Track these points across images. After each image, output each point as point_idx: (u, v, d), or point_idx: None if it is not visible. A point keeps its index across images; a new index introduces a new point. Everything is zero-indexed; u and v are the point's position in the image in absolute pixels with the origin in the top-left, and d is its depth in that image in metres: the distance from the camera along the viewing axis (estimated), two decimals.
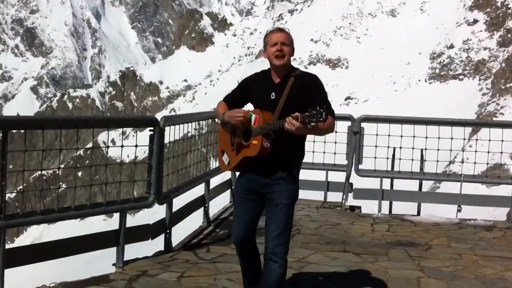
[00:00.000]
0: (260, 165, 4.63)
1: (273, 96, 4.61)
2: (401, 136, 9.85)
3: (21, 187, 59.51)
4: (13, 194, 69.98)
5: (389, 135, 9.88)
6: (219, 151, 5.01)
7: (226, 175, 9.48)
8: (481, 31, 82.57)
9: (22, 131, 5.99)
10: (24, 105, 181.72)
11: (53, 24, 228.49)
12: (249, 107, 4.87)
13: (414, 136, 9.80)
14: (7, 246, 5.52)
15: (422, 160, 10.04)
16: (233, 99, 4.90)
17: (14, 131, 5.97)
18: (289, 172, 4.68)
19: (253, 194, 4.76)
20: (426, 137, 9.76)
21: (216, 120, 5.00)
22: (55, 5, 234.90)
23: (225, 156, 4.89)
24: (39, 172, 78.06)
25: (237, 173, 4.95)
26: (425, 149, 9.92)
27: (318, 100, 4.45)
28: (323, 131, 4.48)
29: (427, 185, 32.78)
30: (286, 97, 4.56)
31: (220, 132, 4.94)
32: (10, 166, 5.66)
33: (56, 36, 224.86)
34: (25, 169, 6.12)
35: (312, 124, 4.17)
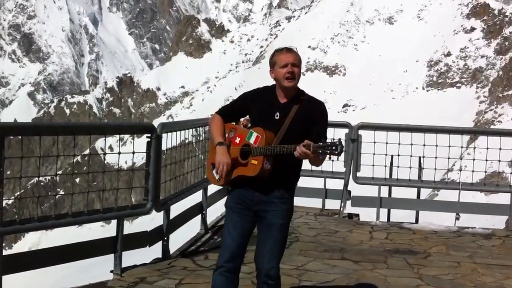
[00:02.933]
0: (256, 184, 4.45)
1: (277, 116, 4.46)
2: (399, 143, 9.84)
3: (18, 193, 59.50)
4: (11, 201, 69.94)
5: (386, 143, 9.87)
6: (209, 164, 4.74)
7: None
8: (478, 39, 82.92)
9: (19, 137, 5.96)
10: (21, 111, 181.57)
11: (51, 30, 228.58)
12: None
13: (412, 144, 9.79)
14: (5, 253, 5.49)
15: (420, 168, 10.03)
16: (231, 112, 4.71)
17: (11, 137, 5.95)
18: (286, 192, 4.53)
19: (246, 209, 4.54)
20: (424, 145, 9.75)
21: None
22: (53, 11, 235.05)
23: (215, 171, 4.58)
24: (37, 178, 78.09)
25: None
26: (423, 157, 9.91)
27: (321, 129, 4.48)
28: (321, 162, 4.43)
29: (425, 193, 32.81)
30: (291, 120, 4.42)
31: (212, 145, 4.68)
32: (8, 172, 5.64)
33: (54, 42, 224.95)
34: (23, 176, 6.09)
35: (325, 155, 4.15)
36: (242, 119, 4.82)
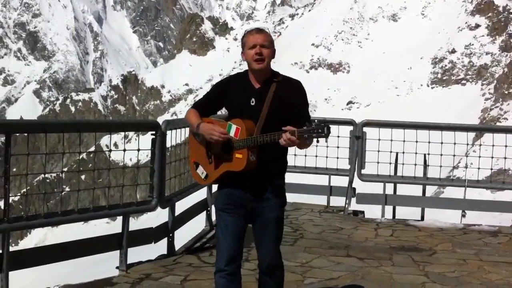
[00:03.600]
0: (244, 179, 4.25)
1: (253, 102, 4.25)
2: (404, 141, 9.82)
3: (24, 190, 59.56)
4: (17, 197, 70.13)
5: (391, 140, 9.87)
6: (191, 163, 4.50)
7: None
8: (483, 35, 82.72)
9: (25, 134, 5.98)
10: (27, 108, 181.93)
11: (56, 28, 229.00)
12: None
13: (416, 141, 9.77)
14: (12, 249, 5.52)
15: (425, 165, 10.02)
16: (206, 106, 4.47)
17: (18, 134, 5.97)
18: (276, 185, 4.38)
19: (237, 208, 4.33)
20: (429, 142, 9.74)
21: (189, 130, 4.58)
22: (57, 9, 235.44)
23: (200, 169, 4.43)
24: (43, 175, 78.30)
25: (216, 187, 4.49)
26: (428, 154, 9.89)
27: (302, 111, 4.30)
28: (306, 146, 4.22)
29: (430, 191, 32.80)
30: (269, 105, 4.22)
31: (192, 142, 4.48)
32: (14, 169, 5.66)
33: (58, 40, 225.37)
34: (29, 173, 6.13)
35: (312, 139, 4.01)
36: None
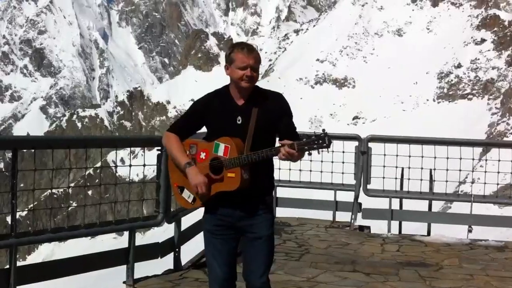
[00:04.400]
0: (234, 198, 4.10)
1: (239, 120, 4.10)
2: (409, 156, 9.81)
3: (32, 205, 59.72)
4: (24, 213, 70.21)
5: (397, 155, 9.85)
6: (174, 188, 4.29)
7: None
8: (489, 50, 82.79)
9: (32, 150, 6.02)
10: (34, 124, 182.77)
11: (61, 44, 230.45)
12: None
13: (422, 156, 9.77)
14: (19, 264, 5.53)
15: (432, 180, 10.00)
16: (186, 128, 4.27)
17: (25, 150, 6.01)
18: (267, 201, 4.26)
19: (227, 230, 4.21)
20: (435, 157, 9.73)
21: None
22: (63, 26, 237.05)
23: (186, 192, 4.22)
24: (50, 190, 78.41)
25: (203, 209, 4.33)
26: (434, 169, 9.87)
27: (288, 123, 4.18)
28: (299, 158, 4.07)
29: (437, 206, 32.67)
30: (255, 122, 4.08)
31: (172, 166, 4.28)
32: (21, 185, 5.70)
33: (64, 57, 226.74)
34: (36, 188, 6.15)
35: (312, 151, 3.89)
36: None
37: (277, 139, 4.22)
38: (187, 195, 4.21)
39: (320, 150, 3.90)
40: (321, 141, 3.86)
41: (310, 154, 3.95)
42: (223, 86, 4.30)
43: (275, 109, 4.16)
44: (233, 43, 4.37)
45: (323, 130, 3.93)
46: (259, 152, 3.98)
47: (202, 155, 4.13)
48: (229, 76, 4.19)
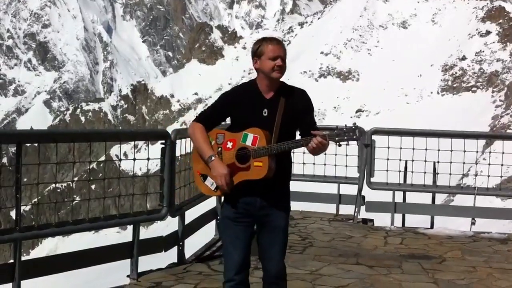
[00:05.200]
0: (258, 187, 4.27)
1: (265, 113, 4.30)
2: (413, 148, 9.81)
3: (35, 199, 59.75)
4: (28, 207, 70.32)
5: (400, 148, 9.85)
6: (197, 175, 4.45)
7: None
8: (493, 42, 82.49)
9: (36, 144, 6.04)
10: (37, 118, 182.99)
11: (65, 38, 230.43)
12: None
13: (426, 149, 9.77)
14: (23, 258, 5.57)
15: (435, 173, 10.01)
16: (213, 118, 4.45)
17: (28, 144, 6.04)
18: (285, 191, 4.47)
19: (246, 217, 4.38)
20: (439, 150, 9.73)
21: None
22: (67, 20, 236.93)
23: (209, 180, 4.36)
24: (53, 185, 78.56)
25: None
26: (438, 162, 9.88)
27: (311, 117, 4.38)
28: (322, 151, 4.25)
29: (440, 199, 32.62)
30: (282, 114, 4.28)
31: (196, 156, 4.46)
32: (25, 179, 5.72)
33: (68, 50, 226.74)
34: (40, 182, 6.17)
35: (343, 141, 4.04)
36: None
37: (297, 133, 4.39)
38: (210, 182, 4.36)
39: (349, 140, 4.05)
40: (352, 133, 4.02)
41: (340, 145, 4.12)
42: (249, 80, 4.49)
43: (300, 104, 4.35)
44: (259, 39, 4.51)
45: (354, 123, 4.07)
46: (288, 142, 4.18)
47: (229, 145, 4.29)
48: (259, 69, 4.37)
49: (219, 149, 4.32)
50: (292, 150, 4.42)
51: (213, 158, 4.27)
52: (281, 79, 4.42)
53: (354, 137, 4.03)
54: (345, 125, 4.06)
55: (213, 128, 4.41)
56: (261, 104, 4.32)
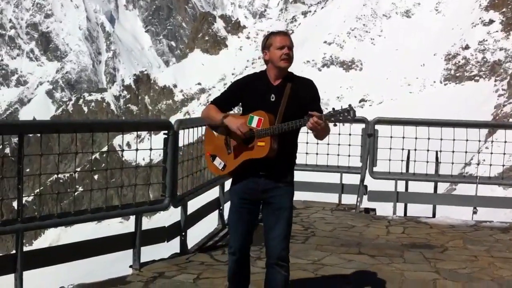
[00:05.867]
0: (261, 168, 4.58)
1: (273, 98, 4.60)
2: (416, 138, 9.81)
3: (38, 190, 59.92)
4: (30, 198, 70.61)
5: (403, 137, 9.86)
6: (207, 156, 4.82)
7: None
8: (497, 31, 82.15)
9: (38, 135, 6.04)
10: (40, 109, 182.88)
11: (68, 28, 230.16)
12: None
13: (429, 138, 9.77)
14: (25, 249, 5.58)
15: (437, 162, 10.01)
16: (225, 101, 4.80)
17: (31, 135, 6.04)
18: (289, 175, 4.72)
19: (251, 201, 4.71)
20: (441, 139, 9.73)
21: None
22: (69, 10, 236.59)
23: (217, 160, 4.72)
24: (56, 175, 78.76)
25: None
26: (440, 151, 9.88)
27: (317, 106, 4.60)
28: (326, 133, 4.53)
29: (442, 188, 32.64)
30: (287, 100, 4.57)
31: (209, 136, 4.83)
32: (27, 170, 5.74)
33: (71, 40, 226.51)
34: (42, 173, 6.18)
35: (338, 122, 4.22)
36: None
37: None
38: (218, 162, 4.71)
39: (344, 120, 4.24)
40: (346, 113, 4.19)
41: (335, 125, 4.31)
42: (260, 70, 4.81)
43: (306, 92, 4.66)
44: (268, 33, 4.91)
45: (349, 105, 4.26)
46: (289, 122, 4.41)
47: None
48: (268, 59, 4.70)
49: (228, 131, 4.63)
50: (298, 140, 4.73)
51: (226, 117, 4.61)
52: (289, 70, 4.69)
53: (349, 117, 4.19)
54: (341, 107, 4.23)
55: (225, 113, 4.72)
56: (268, 89, 4.64)
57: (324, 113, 4.30)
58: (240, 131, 4.49)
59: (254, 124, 4.51)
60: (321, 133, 4.45)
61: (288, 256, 4.69)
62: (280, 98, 4.57)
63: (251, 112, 4.57)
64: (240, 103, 4.80)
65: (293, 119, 4.43)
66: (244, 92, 4.72)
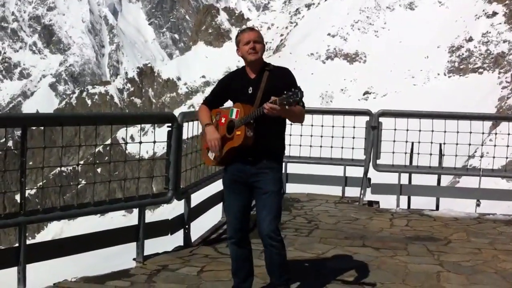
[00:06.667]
0: (244, 155, 4.93)
1: (250, 90, 4.97)
2: (420, 130, 9.79)
3: (41, 183, 59.92)
4: (33, 191, 70.65)
5: (407, 130, 9.84)
6: (204, 150, 5.26)
7: None
8: (500, 23, 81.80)
9: (42, 128, 6.04)
10: (43, 102, 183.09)
11: (71, 21, 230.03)
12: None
13: (432, 131, 9.75)
14: (28, 242, 5.59)
15: (441, 154, 9.99)
16: (213, 99, 5.24)
17: (34, 128, 6.03)
18: (273, 162, 5.02)
19: (241, 184, 5.05)
20: (445, 132, 9.71)
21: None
22: (72, 2, 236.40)
23: (210, 153, 5.12)
24: (59, 168, 78.83)
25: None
26: (444, 143, 9.86)
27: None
28: (297, 116, 4.88)
29: (446, 180, 32.56)
30: (263, 91, 4.90)
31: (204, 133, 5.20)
32: (30, 163, 5.75)
33: (74, 33, 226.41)
34: (45, 166, 6.18)
35: (290, 104, 4.50)
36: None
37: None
38: (210, 154, 5.13)
39: (293, 103, 4.52)
40: (294, 95, 4.49)
41: (287, 107, 4.54)
42: (242, 66, 5.22)
43: (282, 81, 4.92)
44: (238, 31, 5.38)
45: (298, 87, 4.59)
46: (252, 111, 4.79)
47: (223, 120, 5.06)
48: (242, 56, 5.12)
49: (216, 124, 5.08)
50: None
51: (207, 125, 5.06)
52: (268, 61, 5.06)
53: (297, 98, 4.49)
54: (292, 89, 4.51)
55: (216, 108, 5.21)
56: (247, 83, 5.03)
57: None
58: (212, 145, 4.94)
59: (233, 116, 4.93)
60: (289, 117, 4.87)
61: (278, 234, 4.97)
62: (257, 90, 4.93)
63: (234, 104, 5.01)
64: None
65: None
66: (228, 89, 5.15)
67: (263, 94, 4.86)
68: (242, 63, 5.28)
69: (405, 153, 10.04)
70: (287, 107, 4.52)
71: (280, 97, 4.54)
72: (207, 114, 5.17)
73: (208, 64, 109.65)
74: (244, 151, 4.90)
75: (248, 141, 4.82)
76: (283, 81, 4.90)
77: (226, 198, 5.21)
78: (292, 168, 10.41)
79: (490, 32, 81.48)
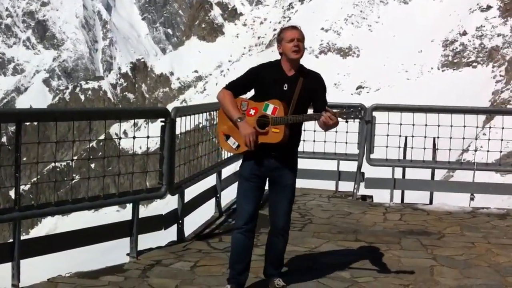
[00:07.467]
0: (269, 149, 5.07)
1: (285, 87, 5.08)
2: (413, 124, 9.81)
3: (35, 179, 59.73)
4: (28, 186, 70.46)
5: (400, 124, 9.86)
6: (221, 135, 5.21)
7: (238, 165, 9.49)
8: (494, 17, 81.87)
9: (36, 123, 6.03)
10: (37, 97, 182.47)
11: (64, 16, 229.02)
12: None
13: (426, 125, 9.76)
14: (23, 237, 5.58)
15: (435, 148, 10.01)
16: (239, 87, 5.22)
17: (28, 123, 6.02)
18: (294, 156, 5.31)
19: (260, 177, 5.21)
20: (439, 126, 9.73)
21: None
22: None
23: (231, 140, 5.13)
24: (53, 164, 78.52)
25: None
26: (438, 137, 9.88)
27: (324, 98, 5.21)
28: (332, 127, 5.04)
29: (440, 174, 32.64)
30: (299, 91, 5.06)
31: (223, 117, 5.20)
32: (24, 158, 5.71)
33: (67, 29, 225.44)
34: (39, 161, 6.16)
35: (349, 119, 4.86)
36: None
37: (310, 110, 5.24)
38: (232, 142, 5.14)
39: (354, 119, 4.98)
40: (357, 113, 4.85)
41: (347, 122, 5.07)
42: (275, 59, 5.30)
43: (316, 84, 5.19)
44: (281, 28, 5.44)
45: (361, 104, 5.00)
46: (303, 115, 5.04)
47: (252, 112, 5.09)
48: (282, 53, 5.21)
49: (242, 114, 5.07)
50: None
51: (241, 119, 5.03)
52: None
53: (360, 116, 4.87)
54: (351, 107, 4.79)
55: (238, 97, 5.20)
56: (282, 79, 5.13)
57: (336, 108, 4.92)
58: (249, 140, 4.96)
59: (269, 111, 5.00)
60: (330, 128, 5.00)
61: (289, 226, 5.41)
62: (293, 89, 5.07)
63: (264, 98, 5.07)
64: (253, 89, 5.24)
65: (302, 109, 5.09)
66: (259, 79, 5.16)
67: (299, 94, 5.05)
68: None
69: (399, 147, 10.06)
70: (345, 122, 4.82)
71: (340, 110, 4.82)
72: (235, 103, 5.14)
73: (201, 59, 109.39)
74: (270, 146, 5.04)
75: (285, 139, 5.01)
76: (317, 85, 5.18)
77: (241, 189, 5.25)
78: None
79: (484, 26, 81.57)
